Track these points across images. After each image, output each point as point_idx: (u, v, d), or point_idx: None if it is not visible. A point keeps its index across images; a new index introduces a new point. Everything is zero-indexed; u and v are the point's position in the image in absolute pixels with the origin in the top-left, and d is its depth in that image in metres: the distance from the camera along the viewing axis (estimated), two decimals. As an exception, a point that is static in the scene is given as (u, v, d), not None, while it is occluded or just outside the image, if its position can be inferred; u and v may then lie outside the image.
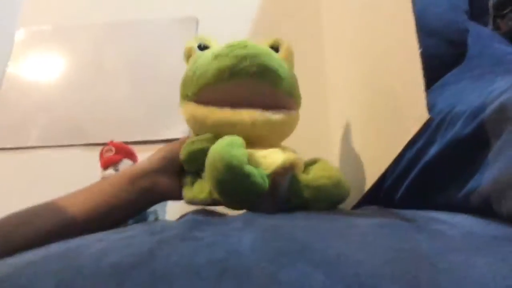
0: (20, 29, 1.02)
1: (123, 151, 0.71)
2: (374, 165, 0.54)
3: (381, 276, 0.30)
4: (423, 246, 0.33)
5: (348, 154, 0.67)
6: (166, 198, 0.59)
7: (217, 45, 0.56)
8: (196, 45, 0.57)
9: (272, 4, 0.93)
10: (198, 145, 0.52)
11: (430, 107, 0.40)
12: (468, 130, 0.48)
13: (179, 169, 0.56)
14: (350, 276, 0.30)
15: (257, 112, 0.51)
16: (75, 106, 0.88)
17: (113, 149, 0.69)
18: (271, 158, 0.49)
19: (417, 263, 0.31)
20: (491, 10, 1.10)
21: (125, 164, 0.69)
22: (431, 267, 0.31)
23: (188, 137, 0.57)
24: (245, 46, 0.50)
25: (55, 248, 0.37)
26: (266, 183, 0.46)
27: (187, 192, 0.55)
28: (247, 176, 0.44)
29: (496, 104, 0.45)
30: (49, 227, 0.50)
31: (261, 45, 0.53)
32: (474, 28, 0.79)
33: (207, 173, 0.47)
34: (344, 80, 0.74)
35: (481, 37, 0.82)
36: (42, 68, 0.96)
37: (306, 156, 0.54)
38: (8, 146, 0.85)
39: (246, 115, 0.50)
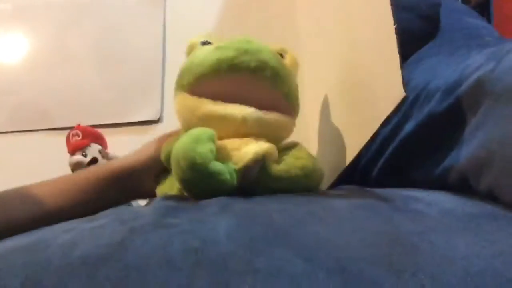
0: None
1: (91, 135, 0.68)
2: (351, 144, 0.54)
3: (362, 259, 0.29)
4: (402, 227, 0.33)
5: (325, 133, 0.66)
6: (146, 197, 0.57)
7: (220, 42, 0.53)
8: (199, 40, 0.55)
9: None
10: (171, 147, 0.48)
11: (406, 83, 0.40)
12: (444, 106, 0.47)
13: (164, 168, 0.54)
14: (330, 261, 0.29)
15: (249, 109, 0.48)
16: (40, 89, 0.84)
17: (80, 133, 0.67)
18: (242, 151, 0.47)
19: (397, 245, 0.30)
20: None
21: (93, 149, 0.67)
22: (412, 248, 0.30)
23: (171, 133, 0.55)
24: (249, 42, 0.49)
25: (22, 240, 0.35)
26: (234, 179, 0.44)
27: (159, 188, 0.54)
28: (212, 174, 0.42)
29: (472, 79, 0.44)
30: (22, 216, 0.48)
31: (266, 44, 0.51)
32: (445, 2, 0.78)
33: (172, 170, 0.45)
34: (320, 57, 0.72)
35: (453, 11, 0.82)
36: (3, 49, 0.91)
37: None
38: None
39: (238, 110, 0.48)
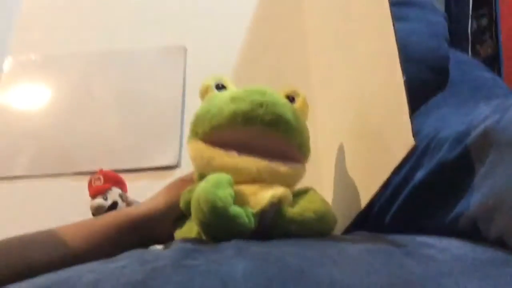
0: (8, 58, 1.02)
1: (112, 179, 0.71)
2: (363, 191, 0.55)
3: None
4: (414, 271, 0.34)
5: (337, 180, 0.68)
6: (163, 243, 0.59)
7: (233, 86, 0.57)
8: (213, 83, 0.57)
9: (260, 32, 0.94)
10: (190, 195, 0.50)
11: (416, 133, 0.42)
12: (454, 155, 0.49)
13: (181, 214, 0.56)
14: None
15: (263, 162, 0.50)
16: (64, 135, 0.87)
17: (102, 177, 0.69)
18: (259, 195, 0.48)
19: None
20: (470, 37, 1.13)
21: (114, 193, 0.69)
22: None
23: (184, 177, 0.58)
24: (264, 93, 0.50)
25: (48, 278, 0.37)
26: (252, 223, 0.46)
27: (178, 232, 0.55)
28: (232, 218, 0.44)
29: (480, 129, 0.46)
30: (44, 259, 0.50)
31: (278, 94, 0.53)
32: (454, 55, 0.82)
33: (192, 214, 0.47)
34: (332, 105, 0.75)
35: (462, 63, 0.85)
36: (30, 97, 0.96)
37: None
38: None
39: (253, 163, 0.50)
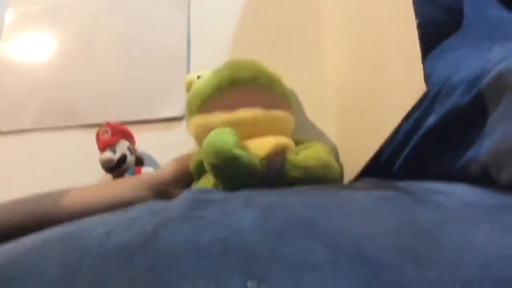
0: (9, 10, 1.00)
1: (120, 132, 0.70)
2: (372, 138, 0.54)
3: (383, 248, 0.30)
4: (423, 218, 0.34)
5: (346, 127, 0.67)
6: None
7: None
8: (195, 76, 0.63)
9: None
10: (200, 155, 0.55)
11: (428, 77, 0.40)
12: (467, 99, 0.48)
13: (191, 179, 0.60)
14: (352, 249, 0.31)
15: (257, 110, 0.56)
16: (68, 87, 0.86)
17: (109, 130, 0.69)
18: (263, 144, 0.53)
19: (418, 236, 0.31)
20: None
21: (123, 145, 0.69)
22: (432, 239, 0.31)
23: (189, 154, 0.62)
24: (239, 61, 0.58)
25: (57, 231, 0.38)
26: (257, 163, 0.49)
27: (194, 185, 0.58)
28: (237, 157, 0.48)
29: (494, 72, 0.44)
30: (62, 217, 0.50)
31: (251, 59, 0.60)
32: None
33: (204, 161, 0.51)
34: (342, 51, 0.73)
35: (477, 2, 0.81)
36: (33, 49, 0.94)
37: (305, 133, 0.56)
38: (3, 129, 0.84)
39: (247, 113, 0.56)
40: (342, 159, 0.65)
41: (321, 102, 0.75)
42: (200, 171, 0.56)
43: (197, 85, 0.59)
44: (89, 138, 0.71)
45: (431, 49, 0.69)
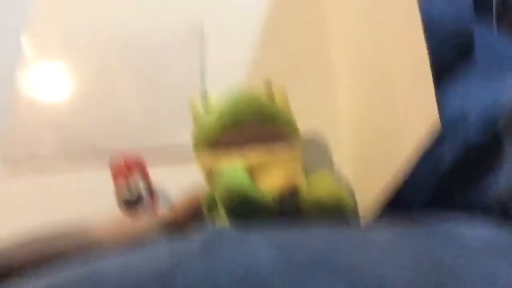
0: (27, 43, 1.01)
1: (133, 169, 0.71)
2: (388, 175, 0.54)
3: (405, 286, 0.30)
4: (445, 256, 0.33)
5: (361, 163, 0.67)
6: None
7: (218, 100, 0.63)
8: (199, 104, 0.64)
9: (278, 13, 0.92)
10: (210, 196, 0.57)
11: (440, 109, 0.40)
12: (482, 138, 0.47)
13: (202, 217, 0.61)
14: (374, 286, 0.30)
15: (263, 153, 0.57)
16: (87, 124, 0.88)
17: (124, 170, 0.70)
18: (274, 183, 0.54)
19: (440, 273, 0.31)
20: (494, 9, 1.08)
21: (137, 183, 0.70)
22: (454, 277, 0.30)
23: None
24: (239, 98, 0.59)
25: (77, 272, 0.38)
26: (271, 203, 0.51)
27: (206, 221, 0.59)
28: (254, 200, 0.49)
29: (509, 106, 0.44)
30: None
31: (257, 94, 0.61)
32: (479, 29, 0.78)
33: (219, 205, 0.52)
34: (355, 86, 0.74)
35: (487, 35, 0.81)
36: (50, 82, 0.95)
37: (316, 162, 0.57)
38: (24, 171, 0.84)
39: (254, 157, 0.57)
40: (358, 196, 0.64)
41: (334, 137, 0.75)
42: (211, 207, 0.57)
43: (202, 126, 0.61)
44: (108, 176, 0.72)
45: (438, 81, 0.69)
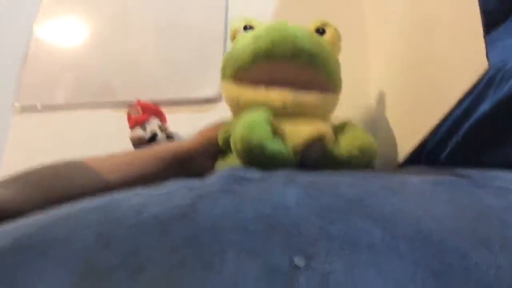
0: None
1: (150, 110, 0.69)
2: (419, 125, 0.51)
3: (445, 230, 0.27)
4: (487, 201, 0.31)
5: (391, 114, 0.64)
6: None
7: (261, 26, 0.56)
8: (241, 25, 0.58)
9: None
10: (229, 132, 0.52)
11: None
12: None
13: (216, 152, 0.57)
14: (411, 232, 0.28)
15: (288, 93, 0.51)
16: (103, 65, 0.86)
17: (140, 108, 0.67)
18: (299, 130, 0.48)
19: (484, 219, 0.28)
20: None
21: (153, 123, 0.68)
22: (499, 222, 0.28)
23: (223, 122, 0.58)
24: (285, 29, 0.50)
25: (90, 202, 0.36)
26: (291, 156, 0.46)
27: (220, 164, 0.55)
28: (269, 156, 0.44)
29: None
30: (83, 188, 0.48)
31: (303, 28, 0.53)
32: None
33: (234, 153, 0.47)
34: (386, 37, 0.70)
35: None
36: (69, 27, 0.93)
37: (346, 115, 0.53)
38: (37, 106, 0.84)
39: (277, 95, 0.50)
40: (382, 148, 0.62)
41: (362, 84, 0.71)
42: (228, 148, 0.51)
43: (235, 47, 0.54)
44: (122, 116, 0.70)
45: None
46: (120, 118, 0.71)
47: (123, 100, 0.78)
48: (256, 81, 0.52)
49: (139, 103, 0.69)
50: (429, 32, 0.51)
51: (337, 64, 0.55)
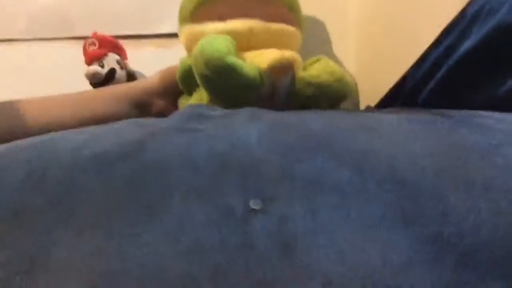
0: None
1: (108, 44, 0.63)
2: (397, 64, 0.48)
3: (421, 170, 0.24)
4: (470, 139, 0.27)
5: (367, 52, 0.60)
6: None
7: None
8: None
9: None
10: (188, 61, 0.48)
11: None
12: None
13: (178, 93, 0.52)
14: (382, 170, 0.25)
15: (253, 21, 0.47)
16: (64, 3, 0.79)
17: (97, 42, 0.62)
18: (265, 56, 0.44)
19: (466, 157, 0.25)
20: None
21: (111, 59, 0.62)
22: (483, 161, 0.25)
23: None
24: None
25: (26, 141, 0.32)
26: (256, 74, 0.42)
27: (183, 103, 0.51)
28: (230, 67, 0.40)
29: None
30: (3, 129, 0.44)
31: None
32: None
33: (194, 71, 0.43)
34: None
35: None
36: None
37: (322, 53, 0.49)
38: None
39: (242, 23, 0.47)
40: (361, 88, 0.58)
41: (340, 24, 0.67)
42: (188, 82, 0.48)
43: None
44: (80, 50, 0.64)
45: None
46: (78, 52, 0.65)
47: (83, 35, 0.71)
48: (217, 18, 0.48)
49: (96, 36, 0.63)
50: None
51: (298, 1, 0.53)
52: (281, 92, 0.44)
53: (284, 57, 0.44)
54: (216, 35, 0.43)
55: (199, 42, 0.42)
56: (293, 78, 0.44)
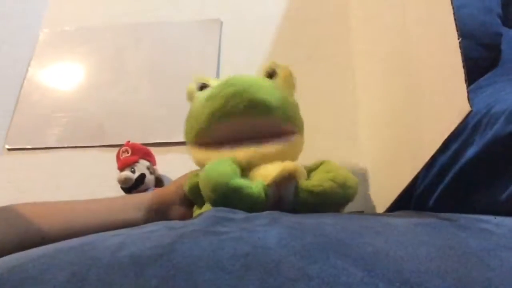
0: (44, 30, 1.02)
1: (140, 151, 0.69)
2: (406, 168, 0.51)
3: (427, 272, 0.27)
4: (469, 243, 0.30)
5: (378, 157, 0.64)
6: None
7: (215, 82, 0.56)
8: (195, 86, 0.58)
9: (297, 6, 0.90)
10: (196, 178, 0.52)
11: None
12: (510, 128, 0.45)
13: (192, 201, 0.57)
14: (391, 272, 0.27)
15: (251, 149, 0.50)
16: (96, 107, 0.87)
17: (130, 150, 0.67)
18: (268, 170, 0.48)
19: (466, 260, 0.28)
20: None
21: (142, 165, 0.67)
22: (482, 264, 0.27)
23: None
24: (233, 84, 0.50)
25: (67, 243, 0.35)
26: (261, 193, 0.45)
27: (196, 212, 0.54)
28: (236, 189, 0.44)
29: None
30: (58, 232, 0.48)
31: (252, 77, 0.53)
32: (507, 33, 0.75)
33: (203, 195, 0.47)
34: (374, 75, 0.71)
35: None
36: (63, 68, 0.95)
37: (334, 158, 0.52)
38: (28, 146, 0.84)
39: (241, 154, 0.50)
40: (372, 190, 0.61)
41: (351, 130, 0.72)
42: (197, 196, 0.51)
43: (192, 110, 0.55)
44: (112, 158, 0.70)
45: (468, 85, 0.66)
46: (111, 160, 0.71)
47: (115, 143, 0.78)
48: (218, 141, 0.52)
49: (128, 144, 0.69)
50: (414, 76, 0.52)
51: (293, 105, 0.54)
52: (286, 202, 0.47)
53: (286, 170, 0.47)
54: (220, 160, 0.47)
55: (205, 168, 0.47)
56: (295, 186, 0.47)
